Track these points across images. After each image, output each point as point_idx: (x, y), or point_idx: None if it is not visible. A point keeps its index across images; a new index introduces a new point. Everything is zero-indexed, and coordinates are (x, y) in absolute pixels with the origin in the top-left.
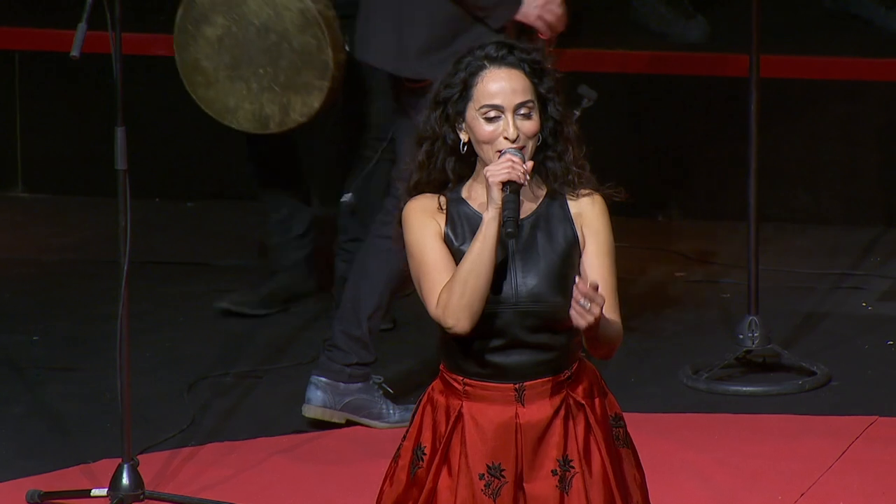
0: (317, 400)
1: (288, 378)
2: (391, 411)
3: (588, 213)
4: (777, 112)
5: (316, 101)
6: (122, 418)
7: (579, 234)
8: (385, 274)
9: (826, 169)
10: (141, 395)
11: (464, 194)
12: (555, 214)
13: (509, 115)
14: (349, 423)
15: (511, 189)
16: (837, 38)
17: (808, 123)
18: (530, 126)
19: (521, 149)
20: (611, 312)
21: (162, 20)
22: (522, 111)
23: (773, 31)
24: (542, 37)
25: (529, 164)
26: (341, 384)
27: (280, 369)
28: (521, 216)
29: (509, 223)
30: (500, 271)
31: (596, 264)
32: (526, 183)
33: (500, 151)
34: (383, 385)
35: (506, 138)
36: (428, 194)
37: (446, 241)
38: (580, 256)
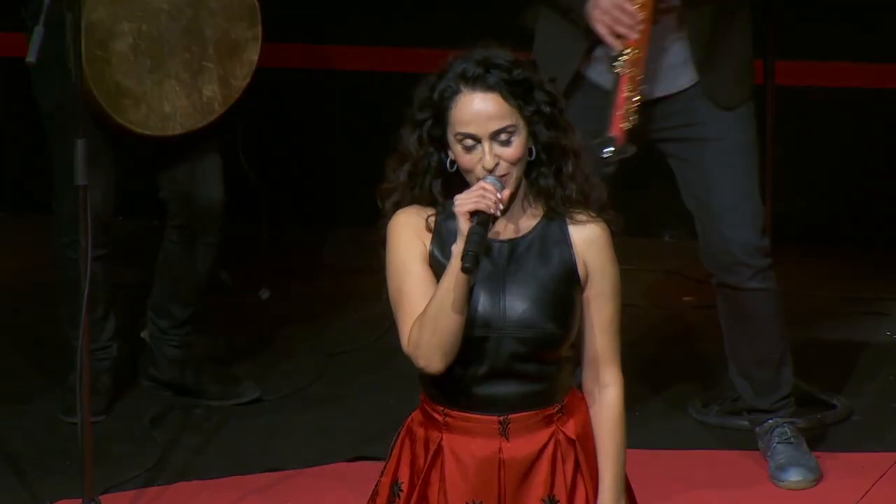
0: None
1: (262, 412)
2: None
3: (592, 248)
4: (793, 121)
5: (254, 53)
6: (82, 455)
7: (579, 265)
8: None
9: (847, 183)
10: (103, 429)
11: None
12: (552, 237)
13: (486, 144)
14: (327, 461)
15: (479, 220)
16: (856, 43)
17: (828, 134)
18: (511, 152)
19: (503, 176)
20: (609, 362)
21: None
22: (501, 137)
23: (789, 34)
24: (623, 46)
25: (507, 192)
26: None
27: (254, 402)
28: (517, 236)
29: (468, 257)
30: (487, 293)
31: (600, 307)
32: (498, 213)
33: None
34: None
35: (485, 168)
36: (416, 207)
37: (432, 261)
38: (580, 290)
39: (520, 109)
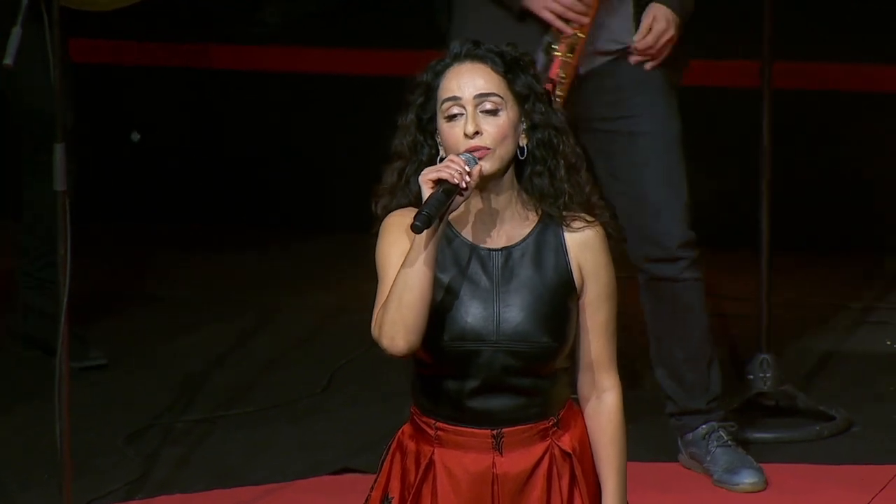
0: None
1: (246, 424)
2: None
3: (587, 251)
4: (792, 126)
5: None
6: (62, 468)
7: (575, 272)
8: None
9: (846, 190)
10: (83, 442)
11: (451, 216)
12: (547, 243)
13: (469, 108)
14: (313, 474)
15: (443, 188)
16: (859, 45)
17: (828, 139)
18: (496, 124)
19: (486, 152)
20: (606, 366)
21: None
22: (487, 106)
23: (787, 36)
24: (560, 32)
25: (477, 168)
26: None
27: (237, 415)
28: (510, 244)
29: (420, 216)
30: (480, 304)
31: (595, 311)
32: (464, 185)
33: None
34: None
35: (465, 135)
36: (409, 209)
37: None
38: (576, 298)
39: (509, 85)
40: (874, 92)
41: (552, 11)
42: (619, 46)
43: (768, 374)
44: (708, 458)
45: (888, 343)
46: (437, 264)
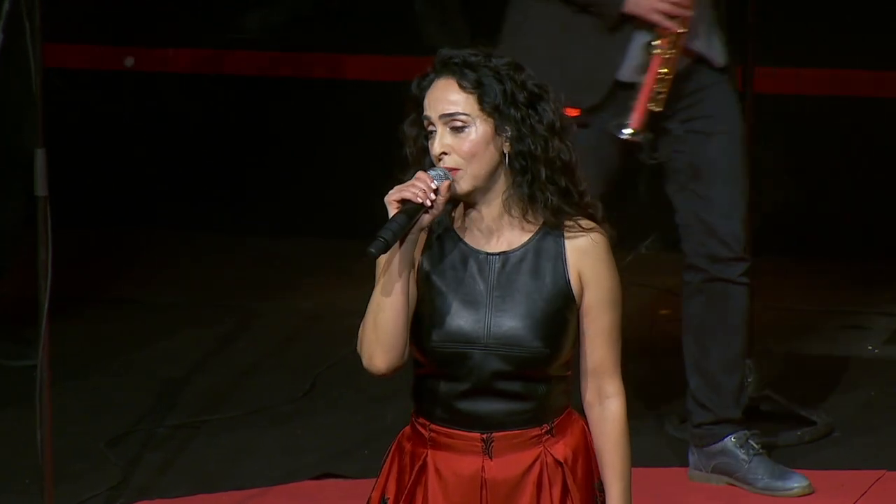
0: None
1: (228, 429)
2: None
3: (586, 258)
4: (773, 131)
5: None
6: (43, 474)
7: (573, 281)
8: None
9: (828, 194)
10: (64, 447)
11: (452, 220)
12: (546, 251)
13: (439, 127)
14: (294, 479)
15: (405, 209)
16: (842, 50)
17: (808, 144)
18: (463, 142)
19: (454, 170)
20: (610, 373)
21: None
22: (456, 124)
23: (769, 40)
24: (667, 32)
25: (446, 182)
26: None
27: (219, 420)
28: (508, 249)
29: (376, 242)
30: (472, 308)
31: (597, 317)
32: (429, 203)
33: None
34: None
35: (433, 153)
36: None
37: (418, 269)
38: (575, 307)
39: (479, 99)
40: (859, 97)
41: (661, 12)
42: (700, 51)
43: (749, 379)
44: (746, 467)
45: (870, 348)
46: (433, 268)
